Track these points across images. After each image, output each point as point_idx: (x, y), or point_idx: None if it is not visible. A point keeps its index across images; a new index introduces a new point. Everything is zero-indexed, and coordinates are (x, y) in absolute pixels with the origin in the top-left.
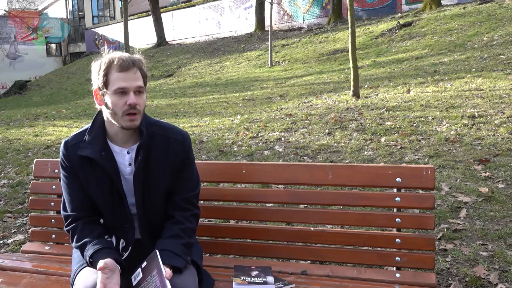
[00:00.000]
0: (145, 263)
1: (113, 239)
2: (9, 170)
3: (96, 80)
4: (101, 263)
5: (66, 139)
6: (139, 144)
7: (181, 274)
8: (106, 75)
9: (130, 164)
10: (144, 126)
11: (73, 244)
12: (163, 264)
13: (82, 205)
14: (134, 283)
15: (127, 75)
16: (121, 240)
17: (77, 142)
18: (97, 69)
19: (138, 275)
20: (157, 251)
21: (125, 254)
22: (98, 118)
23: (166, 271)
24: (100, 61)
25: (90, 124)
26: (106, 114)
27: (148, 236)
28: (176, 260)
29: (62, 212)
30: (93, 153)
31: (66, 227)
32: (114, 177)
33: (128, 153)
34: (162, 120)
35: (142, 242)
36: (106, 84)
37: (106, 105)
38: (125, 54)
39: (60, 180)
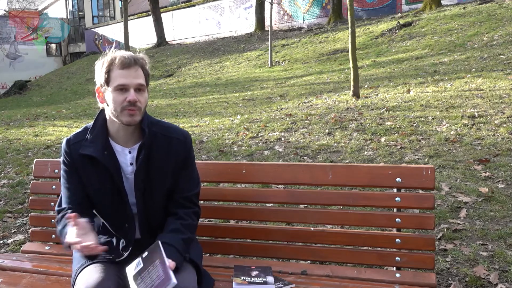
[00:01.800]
0: (146, 253)
1: (114, 240)
2: (9, 170)
3: (99, 78)
4: (72, 214)
5: (68, 137)
6: (141, 143)
7: (179, 274)
8: (108, 72)
9: (131, 164)
10: (146, 125)
11: (58, 229)
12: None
13: (79, 201)
14: (133, 272)
15: (128, 72)
16: (121, 240)
17: (79, 140)
18: (99, 66)
19: (138, 264)
20: (159, 242)
21: (126, 254)
22: (100, 117)
23: (170, 262)
24: (103, 59)
25: (92, 123)
26: (108, 112)
27: (148, 235)
28: (174, 255)
29: (56, 208)
30: (95, 152)
31: (56, 220)
32: (115, 176)
33: (129, 152)
34: (163, 120)
35: (142, 242)
36: (107, 81)
37: (107, 102)
38: (127, 53)
39: (59, 179)
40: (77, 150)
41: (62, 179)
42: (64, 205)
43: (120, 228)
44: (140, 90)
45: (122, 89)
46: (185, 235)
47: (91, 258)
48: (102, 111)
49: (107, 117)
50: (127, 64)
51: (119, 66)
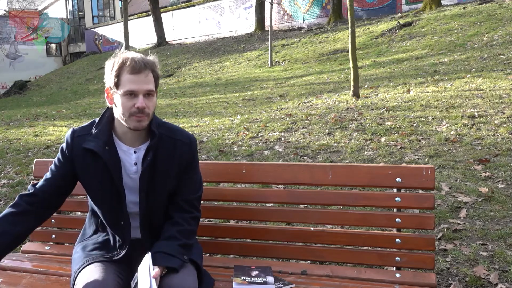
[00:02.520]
0: (140, 266)
1: (111, 238)
2: (9, 170)
3: (108, 80)
4: None
5: (74, 128)
6: (149, 145)
7: (179, 274)
8: (118, 75)
9: (136, 164)
10: (155, 127)
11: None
12: (158, 265)
13: (52, 191)
14: (132, 287)
15: (138, 77)
16: (117, 238)
17: (84, 134)
18: (109, 68)
19: (135, 278)
20: (148, 253)
21: (123, 252)
22: (106, 114)
23: (155, 272)
24: (114, 60)
25: (98, 118)
26: (116, 114)
27: (149, 236)
28: (171, 261)
29: (30, 185)
30: (97, 147)
31: (20, 194)
32: (114, 173)
33: (135, 152)
34: (169, 122)
35: (143, 242)
36: (117, 84)
37: (115, 104)
38: (138, 55)
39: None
40: (80, 143)
41: (53, 165)
42: (37, 187)
43: (116, 226)
44: (149, 95)
45: (131, 94)
46: (180, 241)
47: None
48: (109, 108)
49: (116, 117)
50: (137, 69)
51: (129, 70)
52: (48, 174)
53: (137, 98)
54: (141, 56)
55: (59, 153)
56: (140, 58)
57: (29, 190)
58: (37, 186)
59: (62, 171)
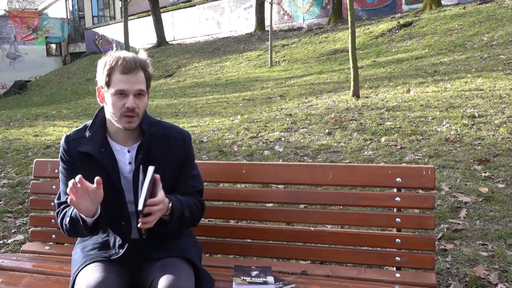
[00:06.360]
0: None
1: (111, 238)
2: (9, 170)
3: (100, 78)
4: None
5: (67, 134)
6: (140, 143)
7: (175, 273)
8: (109, 75)
9: (130, 163)
10: (146, 125)
11: (58, 221)
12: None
13: None
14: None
15: (129, 77)
16: (117, 238)
17: (78, 137)
18: (101, 67)
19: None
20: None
21: (121, 252)
22: (100, 115)
23: (155, 176)
24: (106, 59)
25: (91, 121)
26: (107, 113)
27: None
28: (177, 205)
29: (56, 201)
30: (92, 149)
31: (57, 212)
32: (111, 174)
33: (128, 151)
34: (163, 120)
35: (140, 242)
36: (108, 83)
37: (106, 103)
38: (130, 55)
39: (59, 174)
40: (75, 147)
41: (60, 175)
42: (62, 199)
43: (117, 226)
44: (140, 95)
45: (121, 93)
46: (191, 201)
47: (89, 258)
48: (102, 109)
49: (106, 117)
50: (129, 69)
51: (120, 70)
52: (62, 186)
53: (128, 98)
54: (133, 55)
55: (61, 164)
56: (132, 58)
57: (58, 206)
58: (61, 198)
59: (72, 174)
